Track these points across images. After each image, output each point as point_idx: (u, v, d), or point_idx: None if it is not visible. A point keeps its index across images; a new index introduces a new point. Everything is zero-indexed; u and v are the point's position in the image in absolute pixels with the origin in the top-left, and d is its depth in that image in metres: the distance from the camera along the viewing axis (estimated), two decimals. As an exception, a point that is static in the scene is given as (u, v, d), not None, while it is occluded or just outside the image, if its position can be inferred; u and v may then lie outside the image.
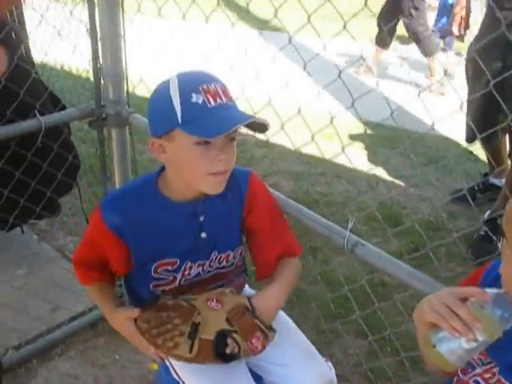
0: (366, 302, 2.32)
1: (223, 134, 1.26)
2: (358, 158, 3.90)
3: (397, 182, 3.65)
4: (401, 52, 6.53)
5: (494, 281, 1.14)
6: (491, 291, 0.99)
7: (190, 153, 1.32)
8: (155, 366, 1.67)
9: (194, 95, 1.27)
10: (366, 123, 4.44)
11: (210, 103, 1.28)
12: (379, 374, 2.16)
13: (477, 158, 3.99)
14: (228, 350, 1.35)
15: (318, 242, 2.82)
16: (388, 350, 2.27)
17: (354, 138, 4.29)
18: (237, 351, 1.35)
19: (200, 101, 1.27)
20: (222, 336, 1.35)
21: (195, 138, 1.29)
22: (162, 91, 1.32)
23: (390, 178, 3.69)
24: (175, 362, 1.50)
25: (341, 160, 3.68)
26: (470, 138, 3.22)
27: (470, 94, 3.09)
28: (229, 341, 1.35)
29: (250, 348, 1.36)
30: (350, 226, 1.54)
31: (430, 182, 3.64)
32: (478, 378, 1.10)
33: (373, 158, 3.98)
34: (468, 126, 3.14)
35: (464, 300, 0.99)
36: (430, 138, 4.23)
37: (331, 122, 1.77)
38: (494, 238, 2.86)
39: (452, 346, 0.97)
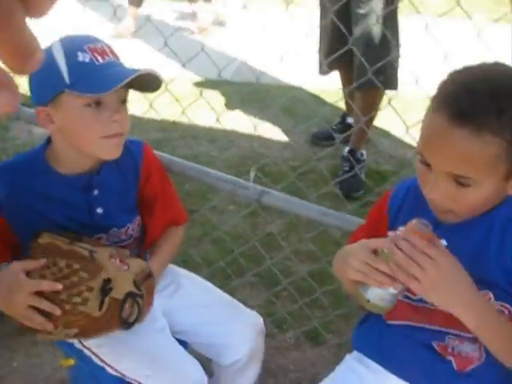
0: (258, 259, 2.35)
1: (118, 87, 1.20)
2: (212, 116, 3.88)
3: (257, 134, 3.69)
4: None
5: (401, 200, 1.21)
6: (399, 231, 1.05)
7: (81, 116, 1.24)
8: (71, 362, 1.54)
9: (80, 54, 1.21)
10: (212, 81, 4.42)
11: (97, 61, 1.22)
12: (281, 322, 2.21)
13: (330, 104, 4.14)
14: (132, 318, 1.30)
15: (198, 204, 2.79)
16: (287, 298, 2.33)
17: (208, 97, 4.24)
18: (136, 317, 1.31)
19: (87, 59, 1.21)
20: (128, 298, 1.29)
21: (86, 98, 1.21)
22: (44, 57, 1.18)
23: (249, 132, 3.71)
24: (98, 349, 1.41)
25: (198, 121, 3.64)
26: (323, 70, 3.27)
27: (320, 23, 3.16)
28: (131, 305, 1.30)
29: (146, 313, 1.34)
30: (252, 176, 1.54)
31: (289, 129, 3.73)
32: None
33: (229, 115, 3.98)
34: (320, 57, 3.20)
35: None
36: (282, 89, 4.31)
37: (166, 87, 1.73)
38: (357, 172, 3.02)
39: (384, 296, 1.05)
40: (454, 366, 1.13)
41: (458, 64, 1.05)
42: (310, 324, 2.13)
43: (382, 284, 1.03)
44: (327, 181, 2.89)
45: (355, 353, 1.32)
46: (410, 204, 1.19)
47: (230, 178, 1.55)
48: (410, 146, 3.57)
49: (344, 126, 3.61)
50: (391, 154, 3.62)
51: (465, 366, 1.13)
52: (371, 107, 2.92)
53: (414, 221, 1.02)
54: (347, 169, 3.16)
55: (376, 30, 2.86)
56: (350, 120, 3.61)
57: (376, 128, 3.76)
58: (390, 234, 1.08)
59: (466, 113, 0.95)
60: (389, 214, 1.23)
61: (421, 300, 1.15)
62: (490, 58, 1.05)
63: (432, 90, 1.05)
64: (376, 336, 1.25)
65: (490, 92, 0.96)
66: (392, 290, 1.05)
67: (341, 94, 3.63)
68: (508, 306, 1.09)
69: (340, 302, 2.20)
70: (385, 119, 3.59)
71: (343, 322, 2.16)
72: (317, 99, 4.22)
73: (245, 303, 1.64)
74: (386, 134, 3.77)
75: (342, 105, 3.76)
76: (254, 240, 2.16)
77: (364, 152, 3.32)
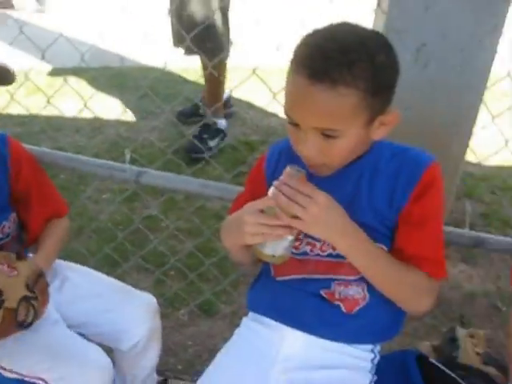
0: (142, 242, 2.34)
1: None
2: (73, 106, 3.74)
3: (122, 119, 3.62)
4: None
5: (276, 161, 1.27)
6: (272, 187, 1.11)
7: None
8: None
9: None
10: (68, 69, 4.25)
11: None
12: (173, 300, 2.23)
13: (192, 81, 4.14)
14: (29, 319, 1.29)
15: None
16: (175, 276, 2.35)
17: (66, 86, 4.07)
18: (32, 318, 1.30)
19: None
20: (23, 303, 1.27)
21: None
22: None
23: (114, 117, 3.64)
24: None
25: (58, 112, 3.49)
26: (175, 42, 3.26)
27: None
28: (26, 308, 1.29)
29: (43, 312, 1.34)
30: (127, 158, 1.53)
31: (153, 111, 3.70)
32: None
33: (91, 102, 3.85)
34: (173, 28, 3.19)
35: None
36: (142, 71, 4.24)
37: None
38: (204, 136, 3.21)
39: (285, 245, 1.12)
40: (343, 309, 1.22)
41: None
42: (201, 298, 2.17)
43: (282, 236, 1.10)
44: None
45: (251, 314, 1.37)
46: (284, 164, 1.25)
47: (105, 163, 1.53)
48: (273, 115, 3.70)
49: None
50: (257, 124, 3.71)
51: (352, 308, 1.22)
52: (213, 77, 3.09)
53: (288, 167, 1.09)
54: (196, 133, 3.29)
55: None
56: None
57: (240, 101, 3.84)
58: (270, 191, 1.13)
59: (321, 70, 1.02)
60: (266, 175, 1.30)
61: (305, 253, 1.22)
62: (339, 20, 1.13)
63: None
64: (268, 294, 1.31)
65: (340, 48, 1.03)
66: (290, 237, 1.12)
67: (201, 70, 3.66)
68: (384, 246, 1.19)
69: (227, 272, 2.26)
70: (248, 91, 3.68)
71: (233, 291, 2.23)
72: (178, 78, 4.21)
73: (136, 286, 1.64)
74: (250, 106, 3.86)
75: (203, 81, 3.79)
76: (135, 224, 2.15)
77: (222, 121, 3.42)
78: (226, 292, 2.22)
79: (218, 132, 3.34)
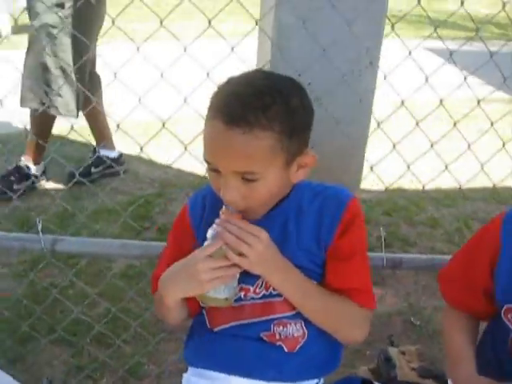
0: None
1: None
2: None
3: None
4: None
5: (201, 210, 1.29)
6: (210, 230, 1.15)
7: None
8: None
9: None
10: None
11: None
12: (96, 369, 2.13)
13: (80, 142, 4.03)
14: None
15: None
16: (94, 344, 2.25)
17: None
18: None
19: None
20: None
21: None
22: None
23: None
24: None
25: None
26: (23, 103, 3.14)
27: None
28: None
29: None
30: (39, 227, 1.46)
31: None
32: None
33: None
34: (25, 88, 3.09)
35: None
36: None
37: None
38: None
39: (235, 286, 1.16)
40: (285, 349, 1.22)
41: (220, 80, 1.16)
42: (125, 362, 2.09)
43: (234, 276, 1.14)
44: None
45: (191, 369, 1.34)
46: (209, 211, 1.26)
47: (15, 236, 1.45)
48: (166, 167, 3.69)
49: (98, 158, 3.59)
50: (151, 177, 3.69)
51: (294, 347, 1.22)
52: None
53: (224, 208, 1.12)
54: None
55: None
56: (103, 152, 3.60)
57: (131, 156, 3.80)
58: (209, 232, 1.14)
59: (237, 115, 1.05)
60: (192, 224, 1.29)
61: (239, 299, 1.22)
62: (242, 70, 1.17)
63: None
64: (207, 346, 1.29)
65: (255, 93, 1.07)
66: (237, 276, 1.14)
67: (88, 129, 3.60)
68: (315, 283, 1.22)
69: (151, 332, 2.20)
70: (137, 146, 3.65)
71: (156, 351, 2.16)
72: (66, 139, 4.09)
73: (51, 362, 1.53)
74: (141, 160, 3.82)
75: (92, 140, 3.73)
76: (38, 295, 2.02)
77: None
78: (150, 352, 2.15)
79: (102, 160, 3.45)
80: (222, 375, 1.25)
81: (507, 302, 1.19)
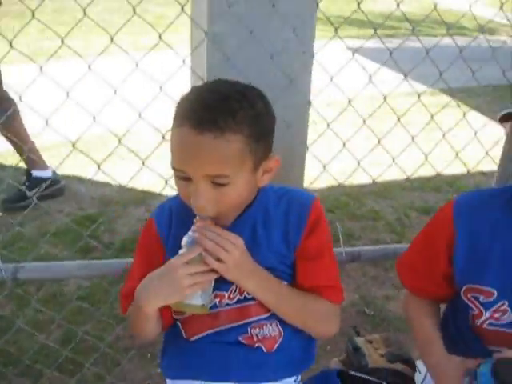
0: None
1: None
2: None
3: None
4: None
5: (169, 220, 1.30)
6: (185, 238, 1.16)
7: None
8: None
9: None
10: None
11: None
12: None
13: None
14: None
15: None
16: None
17: None
18: None
19: None
20: None
21: None
22: None
23: None
24: None
25: None
26: None
27: None
28: None
29: None
30: (-2, 257, 1.42)
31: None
32: None
33: None
34: None
35: None
36: None
37: None
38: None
39: (210, 292, 1.18)
40: (264, 349, 1.25)
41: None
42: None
43: (211, 281, 1.15)
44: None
45: (170, 382, 1.34)
46: (177, 220, 1.28)
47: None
48: (105, 184, 3.65)
49: (33, 181, 3.50)
50: (91, 196, 3.63)
51: (272, 346, 1.26)
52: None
53: (198, 217, 1.14)
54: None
55: None
56: (35, 173, 3.51)
57: (68, 176, 3.73)
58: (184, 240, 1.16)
59: (207, 120, 1.07)
60: (161, 237, 1.30)
61: (214, 306, 1.24)
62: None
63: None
64: (186, 357, 1.29)
65: (220, 99, 1.10)
66: (213, 283, 1.16)
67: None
68: (286, 283, 1.26)
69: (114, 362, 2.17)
70: (74, 166, 3.59)
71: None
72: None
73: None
74: (79, 180, 3.76)
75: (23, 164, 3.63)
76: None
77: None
78: (120, 372, 2.13)
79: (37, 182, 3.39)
80: (204, 383, 1.27)
81: (466, 283, 1.26)
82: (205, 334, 1.27)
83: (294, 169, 2.46)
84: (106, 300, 2.32)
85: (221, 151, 1.08)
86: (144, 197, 3.50)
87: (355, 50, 1.83)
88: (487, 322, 1.24)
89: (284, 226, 1.24)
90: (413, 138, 1.82)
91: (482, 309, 1.24)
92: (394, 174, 2.95)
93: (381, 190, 3.62)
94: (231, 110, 1.09)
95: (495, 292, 1.21)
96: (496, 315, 1.22)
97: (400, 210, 3.42)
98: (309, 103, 2.26)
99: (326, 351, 2.33)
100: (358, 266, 2.88)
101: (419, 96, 1.86)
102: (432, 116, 1.82)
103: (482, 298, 1.23)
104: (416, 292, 1.43)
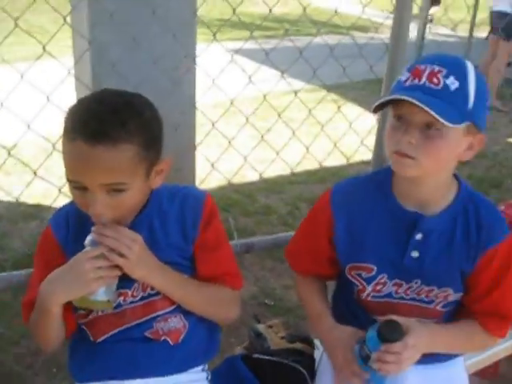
0: None
1: None
2: None
3: None
4: None
5: (65, 227, 1.32)
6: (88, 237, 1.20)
7: None
8: None
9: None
10: None
11: None
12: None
13: None
14: None
15: None
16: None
17: None
18: None
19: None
20: None
21: None
22: None
23: None
24: None
25: None
26: None
27: None
28: None
29: None
30: None
31: None
32: None
33: None
34: None
35: None
36: None
37: None
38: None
39: (114, 289, 1.21)
40: (170, 342, 1.31)
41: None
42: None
43: (116, 277, 1.19)
44: None
45: (80, 386, 1.36)
46: (74, 226, 1.31)
47: None
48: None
49: None
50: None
51: (177, 338, 1.31)
52: None
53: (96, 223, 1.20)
54: None
55: None
56: None
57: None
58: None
59: (98, 132, 1.11)
60: (59, 243, 1.31)
61: (119, 305, 1.27)
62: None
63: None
64: (94, 359, 1.32)
65: (110, 110, 1.14)
66: (116, 279, 1.20)
67: None
68: (187, 276, 1.32)
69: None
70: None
71: None
72: None
73: None
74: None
75: None
76: None
77: None
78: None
79: None
80: (116, 382, 1.30)
81: (348, 262, 1.38)
82: (111, 333, 1.30)
83: (185, 170, 2.52)
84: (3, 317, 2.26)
85: (115, 161, 1.13)
86: (36, 211, 3.40)
87: (235, 52, 1.92)
88: (370, 294, 1.36)
89: (180, 221, 1.31)
90: (294, 132, 1.94)
91: (364, 284, 1.36)
92: (280, 169, 3.08)
93: (271, 186, 3.76)
94: (121, 121, 1.13)
95: (374, 267, 1.34)
96: (377, 288, 1.35)
97: (290, 203, 3.56)
98: (194, 105, 2.34)
99: (229, 343, 2.39)
100: (256, 260, 2.98)
101: (296, 93, 1.98)
102: (310, 110, 1.95)
103: (363, 274, 1.35)
104: (304, 274, 1.53)
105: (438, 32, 6.42)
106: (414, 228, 1.30)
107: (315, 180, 3.90)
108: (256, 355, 1.48)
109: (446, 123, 1.14)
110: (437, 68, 1.17)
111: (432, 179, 1.27)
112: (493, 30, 6.33)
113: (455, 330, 1.37)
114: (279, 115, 1.91)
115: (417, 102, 1.13)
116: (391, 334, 1.20)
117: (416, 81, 1.18)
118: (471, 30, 7.43)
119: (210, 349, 1.40)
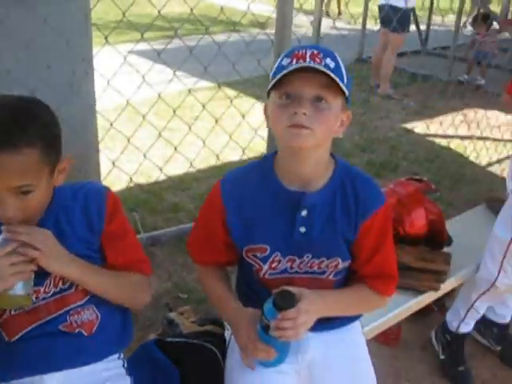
0: None
1: None
2: None
3: None
4: None
5: None
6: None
7: None
8: None
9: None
10: None
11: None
12: None
13: None
14: None
15: None
16: None
17: None
18: None
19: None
20: None
21: None
22: None
23: None
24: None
25: None
26: None
27: None
28: None
29: None
30: None
31: None
32: None
33: None
34: None
35: None
36: None
37: None
38: None
39: (31, 283, 1.27)
40: (85, 333, 1.38)
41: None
42: None
43: (33, 271, 1.25)
44: None
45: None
46: None
47: None
48: None
49: None
50: None
51: (91, 329, 1.39)
52: None
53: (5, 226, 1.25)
54: None
55: None
56: None
57: None
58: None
59: (2, 141, 1.17)
60: None
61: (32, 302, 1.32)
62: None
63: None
64: (7, 358, 1.36)
65: (12, 116, 1.20)
66: (32, 276, 1.26)
67: None
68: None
69: None
70: None
71: None
72: None
73: None
74: None
75: None
76: None
77: None
78: None
79: None
80: (36, 377, 1.35)
81: (244, 246, 1.48)
82: (25, 331, 1.35)
83: (89, 172, 2.54)
84: None
85: (20, 165, 1.19)
86: None
87: (129, 53, 1.97)
88: (268, 272, 1.48)
89: (85, 214, 1.38)
90: (190, 128, 2.03)
91: (261, 263, 1.47)
92: (186, 167, 3.15)
93: (177, 184, 3.82)
94: (22, 127, 1.20)
95: (268, 247, 1.45)
96: (273, 265, 1.46)
97: (197, 199, 3.64)
98: (94, 108, 2.38)
99: (143, 339, 2.44)
100: (167, 256, 3.04)
101: (189, 91, 2.07)
102: (204, 106, 2.04)
103: (259, 255, 1.46)
104: (204, 264, 1.61)
105: (336, 26, 6.70)
106: (298, 206, 1.41)
107: (220, 175, 3.99)
108: (169, 339, 1.57)
109: (341, 84, 1.29)
110: (315, 51, 1.31)
111: (314, 155, 1.38)
112: (382, 23, 6.65)
113: (347, 293, 1.51)
114: (174, 112, 2.00)
115: (322, 68, 1.26)
116: (285, 302, 1.33)
117: (301, 61, 1.29)
118: (364, 22, 7.87)
119: (124, 337, 1.48)
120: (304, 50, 1.31)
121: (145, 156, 2.00)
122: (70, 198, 1.39)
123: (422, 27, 9.10)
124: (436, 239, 2.31)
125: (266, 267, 1.47)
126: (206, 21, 8.16)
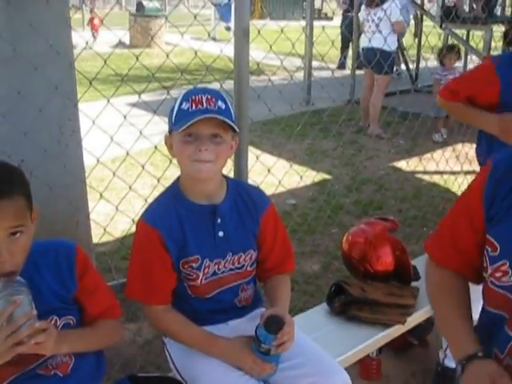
0: None
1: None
2: None
3: None
4: None
5: None
6: None
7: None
8: None
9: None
10: None
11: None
12: None
13: None
14: None
15: None
16: None
17: None
18: None
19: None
20: None
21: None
22: None
23: None
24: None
25: None
26: None
27: None
28: None
29: None
30: None
31: None
32: None
33: None
34: None
35: None
36: None
37: None
38: None
39: None
40: (60, 374, 1.50)
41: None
42: None
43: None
44: None
45: None
46: None
47: None
48: None
49: None
50: None
51: (66, 370, 1.51)
52: None
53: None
54: None
55: None
56: None
57: None
58: None
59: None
60: None
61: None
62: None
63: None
64: None
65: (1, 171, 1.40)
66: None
67: None
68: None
69: None
70: None
71: None
72: None
73: None
74: None
75: None
76: None
77: None
78: None
79: None
80: None
81: (180, 259, 1.73)
82: (11, 379, 1.45)
83: (79, 226, 2.59)
84: None
85: (13, 209, 1.37)
86: None
87: (132, 106, 2.11)
88: (203, 278, 1.76)
89: (57, 272, 1.52)
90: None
91: (197, 272, 1.75)
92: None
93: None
94: (9, 177, 1.40)
95: (199, 256, 1.74)
96: (206, 271, 1.75)
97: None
98: (82, 165, 2.50)
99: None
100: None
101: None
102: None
103: (194, 265, 1.73)
104: (164, 302, 1.77)
105: (329, 67, 6.89)
106: (214, 216, 1.74)
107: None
108: (142, 374, 1.71)
109: (234, 126, 1.64)
110: (209, 96, 1.64)
111: (214, 177, 1.72)
112: (366, 65, 6.88)
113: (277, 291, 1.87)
114: (171, 161, 2.18)
115: (220, 117, 1.59)
116: (277, 323, 1.60)
117: (200, 106, 1.62)
118: (354, 65, 8.10)
119: (98, 374, 1.61)
120: (200, 96, 1.63)
121: (146, 201, 2.16)
122: (41, 253, 1.52)
123: (412, 66, 9.34)
124: (403, 275, 2.44)
125: (201, 274, 1.74)
126: (203, 69, 8.37)
